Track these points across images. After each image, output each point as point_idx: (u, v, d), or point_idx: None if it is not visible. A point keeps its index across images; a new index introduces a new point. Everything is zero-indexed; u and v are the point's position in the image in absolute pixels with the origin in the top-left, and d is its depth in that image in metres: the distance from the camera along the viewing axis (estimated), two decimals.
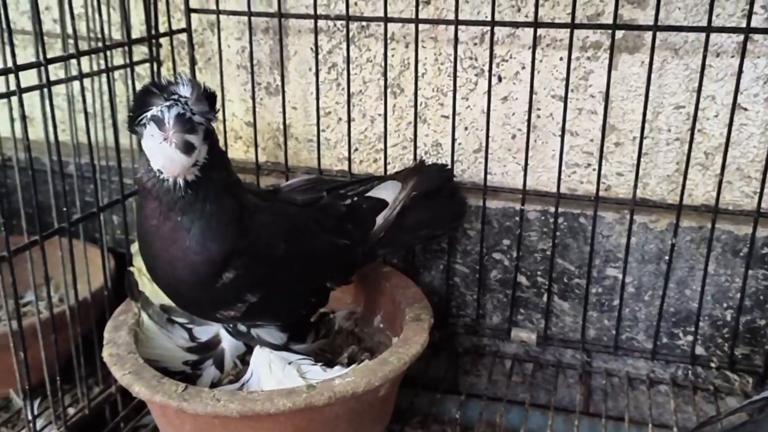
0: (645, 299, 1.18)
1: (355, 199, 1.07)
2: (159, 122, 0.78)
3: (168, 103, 0.79)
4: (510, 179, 1.24)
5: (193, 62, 1.29)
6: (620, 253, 1.16)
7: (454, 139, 1.20)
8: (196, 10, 1.26)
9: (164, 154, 0.79)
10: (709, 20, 1.01)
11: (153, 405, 0.97)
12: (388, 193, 1.11)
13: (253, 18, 1.24)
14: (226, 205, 0.87)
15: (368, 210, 1.07)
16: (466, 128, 1.24)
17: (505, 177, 1.24)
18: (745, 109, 1.09)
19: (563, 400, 1.20)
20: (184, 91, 0.81)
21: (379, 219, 1.08)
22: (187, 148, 0.78)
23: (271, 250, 0.93)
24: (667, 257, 1.13)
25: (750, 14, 1.00)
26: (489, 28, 1.11)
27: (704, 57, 1.02)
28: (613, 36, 1.05)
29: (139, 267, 1.06)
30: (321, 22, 1.23)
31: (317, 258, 0.99)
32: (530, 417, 1.14)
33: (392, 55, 1.24)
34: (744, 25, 1.02)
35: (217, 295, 0.89)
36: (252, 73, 1.27)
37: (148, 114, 0.78)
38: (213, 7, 1.27)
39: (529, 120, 1.15)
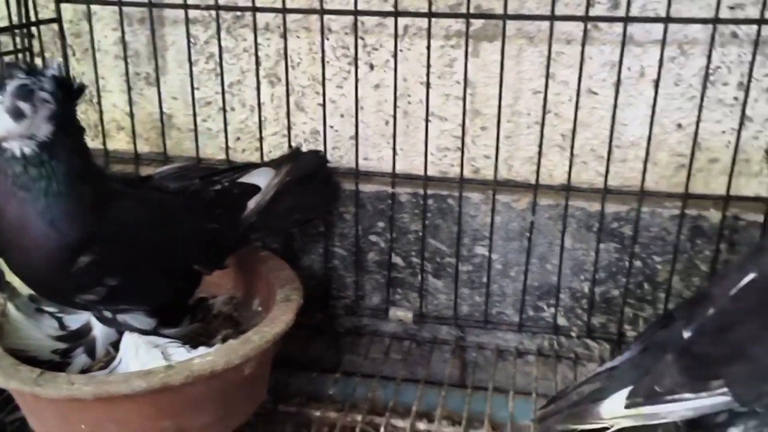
0: (511, 275, 1.24)
1: (226, 184, 1.09)
2: (1, 87, 0.81)
3: (22, 76, 0.82)
4: (386, 164, 1.28)
5: (65, 52, 1.29)
6: (486, 232, 1.22)
7: (326, 126, 1.23)
8: (66, 0, 1.25)
9: None
10: (552, 9, 1.07)
11: (14, 394, 0.97)
12: (261, 179, 1.14)
13: (129, 8, 1.25)
14: (80, 189, 0.88)
15: (239, 195, 1.10)
16: (342, 115, 1.27)
17: (381, 162, 1.28)
18: (596, 93, 1.16)
19: (438, 375, 1.25)
20: (47, 72, 0.84)
21: (251, 204, 1.10)
22: (16, 114, 0.81)
23: (132, 234, 0.95)
24: (528, 234, 1.20)
25: (588, 3, 1.07)
26: (355, 17, 1.14)
27: (550, 44, 1.09)
28: (467, 25, 1.11)
29: None
30: (197, 12, 1.25)
31: (183, 242, 1.01)
32: (402, 391, 1.18)
33: (268, 45, 1.26)
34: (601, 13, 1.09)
35: (73, 279, 0.90)
36: (126, 63, 1.27)
37: None
38: None
39: (395, 106, 1.19)
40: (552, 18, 1.07)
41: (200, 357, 0.92)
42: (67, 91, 0.87)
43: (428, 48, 1.13)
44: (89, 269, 0.91)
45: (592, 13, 1.10)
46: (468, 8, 1.09)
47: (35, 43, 1.27)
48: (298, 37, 1.24)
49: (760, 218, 1.12)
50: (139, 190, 1.03)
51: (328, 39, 1.23)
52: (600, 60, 1.14)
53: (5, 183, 0.85)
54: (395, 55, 1.15)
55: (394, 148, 1.20)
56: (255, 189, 1.12)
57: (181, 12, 1.25)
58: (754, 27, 1.04)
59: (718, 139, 1.14)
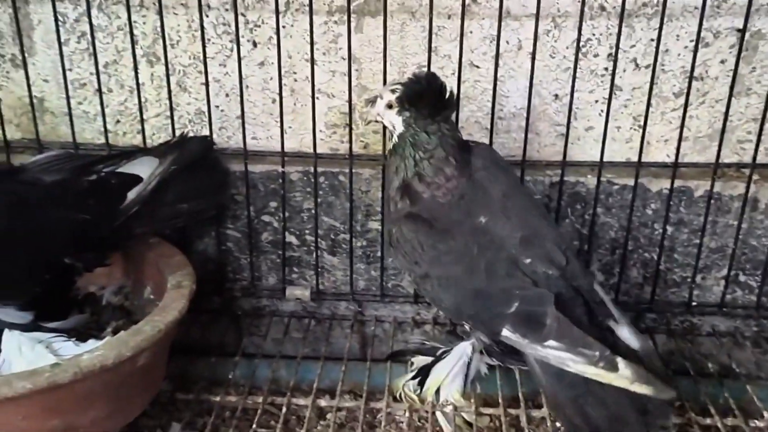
0: None
1: (102, 174, 1.05)
2: None
3: None
4: (275, 143, 1.26)
5: None
6: (379, 207, 1.24)
7: (210, 107, 1.20)
8: None
9: None
10: None
11: None
12: (144, 168, 1.10)
13: None
14: None
15: (117, 185, 1.06)
16: (227, 95, 1.24)
17: (270, 141, 1.26)
18: (477, 67, 1.19)
19: (338, 350, 1.27)
20: None
21: (131, 194, 1.07)
22: None
23: None
24: None
25: None
26: None
27: (430, 20, 1.10)
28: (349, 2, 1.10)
29: None
30: None
31: (48, 234, 0.97)
32: (303, 369, 1.19)
33: (144, 23, 1.21)
34: None
35: None
36: None
37: None
38: None
39: (280, 84, 1.18)
40: None
41: (89, 352, 0.89)
42: None
43: (311, 24, 1.12)
44: None
45: None
46: None
47: None
48: (176, 14, 1.20)
49: (631, 181, 1.20)
50: (1, 182, 0.98)
51: (207, 16, 1.20)
52: (480, 34, 1.17)
53: None
54: (278, 32, 1.13)
55: (281, 127, 1.19)
56: (136, 179, 1.09)
57: None
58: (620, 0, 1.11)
59: (592, 108, 1.20)
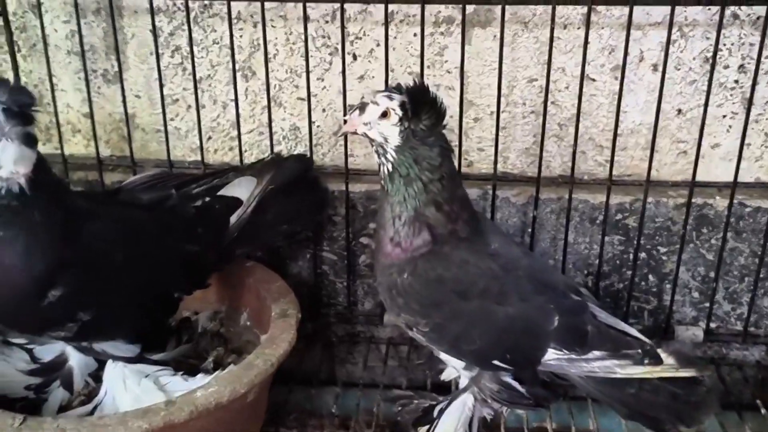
0: None
1: (207, 199, 0.99)
2: None
3: None
4: (374, 161, 1.20)
5: (13, 49, 1.15)
6: None
7: (311, 123, 1.14)
8: None
9: (10, 153, 0.72)
10: None
11: None
12: (242, 190, 1.05)
13: None
14: (53, 213, 0.78)
15: (221, 210, 1.01)
16: (323, 110, 1.19)
17: (369, 158, 1.20)
18: (593, 80, 1.11)
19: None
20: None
21: (233, 218, 1.01)
22: (30, 141, 0.73)
23: (105, 260, 0.84)
24: (530, 230, 1.14)
25: None
26: (339, 4, 1.05)
27: (552, 30, 1.03)
28: (464, 10, 1.03)
29: None
30: (159, 1, 1.13)
31: (161, 267, 0.91)
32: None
33: (240, 36, 1.16)
34: None
35: (43, 315, 0.80)
36: (84, 59, 1.15)
37: None
38: None
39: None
40: (555, 2, 1.01)
41: (202, 388, 0.83)
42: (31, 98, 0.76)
43: (422, 37, 1.06)
44: (60, 303, 0.80)
45: None
46: None
47: None
48: (274, 26, 1.15)
49: (765, 203, 1.10)
50: (109, 206, 0.93)
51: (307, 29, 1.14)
52: (598, 45, 1.09)
53: None
54: (386, 43, 1.06)
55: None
56: (237, 202, 1.03)
57: (140, 2, 1.14)
58: (757, 8, 1.02)
59: (720, 124, 1.11)
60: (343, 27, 1.07)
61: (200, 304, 1.13)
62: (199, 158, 1.22)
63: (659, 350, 0.88)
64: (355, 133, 0.87)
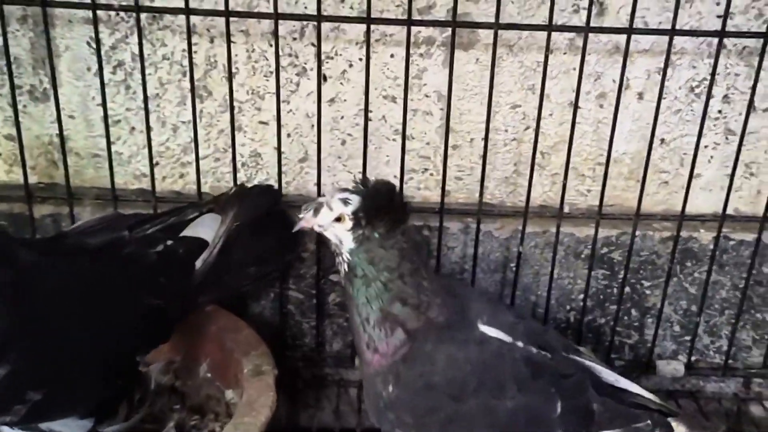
0: None
1: (168, 243, 0.87)
2: None
3: None
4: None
5: None
6: (466, 265, 1.09)
7: (280, 149, 1.03)
8: None
9: None
10: (550, 19, 0.95)
11: None
12: (206, 229, 0.93)
13: (4, 6, 0.96)
14: None
15: (185, 255, 0.88)
16: (288, 135, 1.08)
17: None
18: (579, 107, 1.06)
19: None
20: None
21: (198, 263, 0.89)
22: None
23: (58, 328, 0.71)
24: (513, 265, 1.08)
25: (589, 12, 0.95)
26: (314, 22, 0.95)
27: (546, 56, 0.96)
28: (453, 35, 0.95)
29: None
30: (99, 11, 0.99)
31: (121, 327, 0.78)
32: None
33: (195, 51, 1.03)
34: (579, 21, 0.99)
35: None
36: (10, 74, 0.99)
37: None
38: None
39: (365, 123, 1.02)
40: (550, 28, 0.94)
41: None
42: None
43: (407, 59, 0.97)
44: (7, 383, 0.66)
45: (575, 22, 1.00)
46: (454, 16, 0.94)
47: None
48: (234, 42, 1.02)
49: (748, 236, 1.08)
50: (55, 258, 0.78)
51: (271, 45, 1.03)
52: (585, 71, 1.04)
53: None
54: (367, 64, 0.97)
55: (364, 168, 1.03)
56: (201, 244, 0.91)
57: (75, 11, 0.99)
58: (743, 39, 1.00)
59: (701, 154, 1.08)
60: (319, 47, 0.96)
61: (152, 353, 1.00)
62: (144, 186, 1.09)
63: (670, 419, 0.83)
64: (313, 229, 0.83)
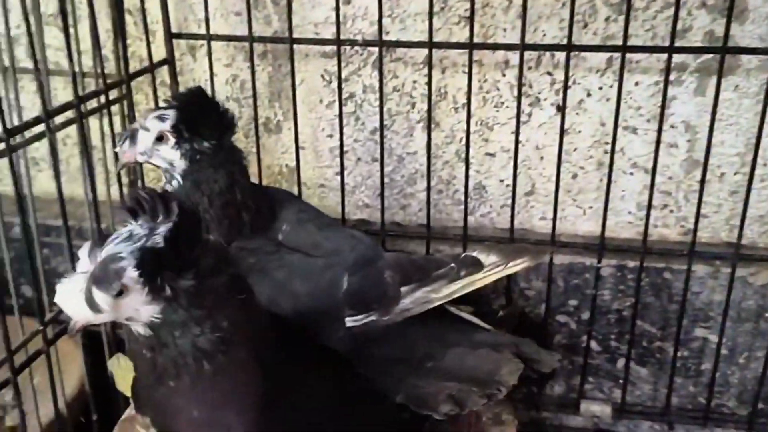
0: (739, 362, 1.01)
1: None
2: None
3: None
4: (569, 225, 1.05)
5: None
6: (712, 312, 0.99)
7: (515, 186, 0.98)
8: (179, 35, 1.00)
9: None
10: None
11: None
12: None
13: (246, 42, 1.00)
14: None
15: None
16: (515, 167, 1.03)
17: (563, 223, 1.04)
18: None
19: None
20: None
21: None
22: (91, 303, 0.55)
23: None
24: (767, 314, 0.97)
25: None
26: (564, 52, 0.89)
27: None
28: (722, 62, 0.86)
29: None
30: (332, 45, 1.00)
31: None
32: None
33: (425, 83, 1.01)
34: None
35: None
36: (255, 107, 1.02)
37: None
38: (198, 30, 1.02)
39: (612, 155, 0.95)
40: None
41: None
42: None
43: (665, 86, 0.89)
44: None
45: None
46: (725, 41, 0.85)
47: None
48: (464, 72, 1.00)
49: None
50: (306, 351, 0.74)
51: (504, 75, 0.99)
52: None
53: None
54: (619, 95, 0.90)
55: (605, 215, 0.96)
56: None
57: (312, 45, 1.01)
58: None
59: None
60: (566, 76, 0.90)
61: None
62: (366, 216, 1.10)
63: (477, 252, 0.75)
64: (137, 162, 0.76)
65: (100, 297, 0.51)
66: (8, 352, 0.68)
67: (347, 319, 0.73)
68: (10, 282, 0.88)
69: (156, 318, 0.54)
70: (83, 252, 0.52)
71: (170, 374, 0.57)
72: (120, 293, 0.51)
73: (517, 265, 0.75)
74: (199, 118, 0.76)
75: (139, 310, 0.53)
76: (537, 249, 0.79)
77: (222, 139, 0.78)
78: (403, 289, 0.73)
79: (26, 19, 0.69)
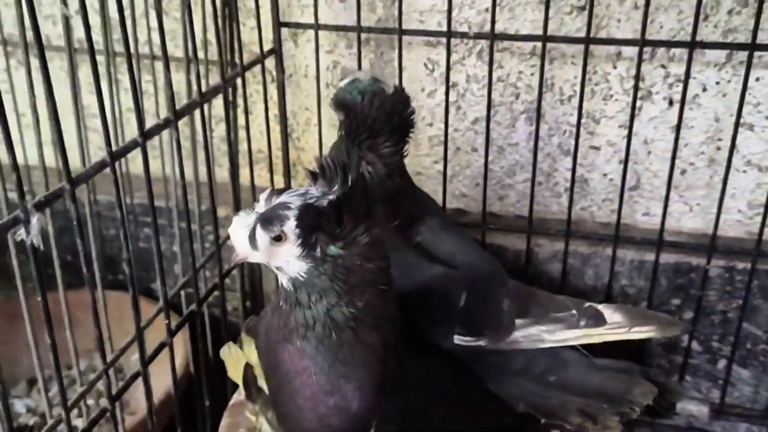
0: None
1: None
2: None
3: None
4: (673, 222, 1.03)
5: (283, 90, 1.03)
6: None
7: (624, 181, 0.95)
8: (286, 24, 1.00)
9: None
10: None
11: None
12: None
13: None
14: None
15: None
16: (620, 161, 1.01)
17: (668, 219, 1.00)
18: None
19: None
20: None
21: None
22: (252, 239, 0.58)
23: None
24: None
25: None
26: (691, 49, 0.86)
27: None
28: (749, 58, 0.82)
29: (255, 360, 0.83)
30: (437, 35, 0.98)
31: None
32: None
33: (531, 74, 1.00)
34: None
35: None
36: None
37: None
38: (301, 18, 1.02)
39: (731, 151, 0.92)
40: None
41: None
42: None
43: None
44: None
45: None
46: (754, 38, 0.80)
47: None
48: (574, 64, 0.97)
49: None
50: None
51: (615, 67, 0.97)
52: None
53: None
54: (743, 92, 0.86)
55: (719, 205, 0.92)
56: None
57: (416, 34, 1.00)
58: None
59: None
60: (688, 71, 0.87)
61: None
62: (461, 205, 1.09)
63: (600, 307, 0.71)
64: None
65: (261, 236, 0.55)
66: (140, 349, 0.70)
67: (456, 336, 0.72)
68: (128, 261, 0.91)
69: (301, 276, 0.57)
70: (263, 195, 0.57)
71: (299, 334, 0.59)
72: (278, 238, 0.55)
73: (641, 333, 0.73)
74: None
75: (290, 262, 0.56)
76: (667, 320, 0.74)
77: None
78: (519, 321, 0.72)
79: (159, 16, 0.69)
